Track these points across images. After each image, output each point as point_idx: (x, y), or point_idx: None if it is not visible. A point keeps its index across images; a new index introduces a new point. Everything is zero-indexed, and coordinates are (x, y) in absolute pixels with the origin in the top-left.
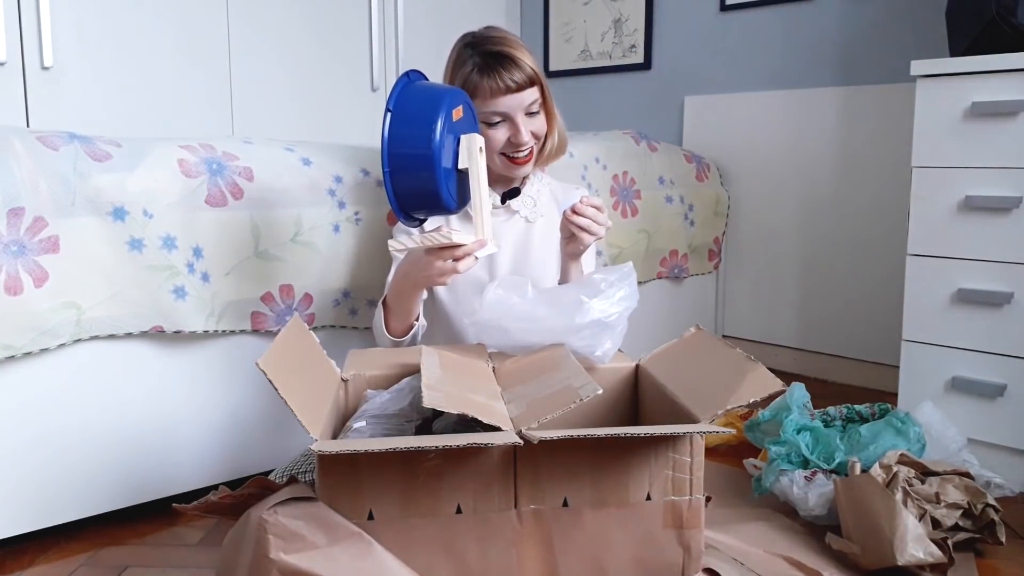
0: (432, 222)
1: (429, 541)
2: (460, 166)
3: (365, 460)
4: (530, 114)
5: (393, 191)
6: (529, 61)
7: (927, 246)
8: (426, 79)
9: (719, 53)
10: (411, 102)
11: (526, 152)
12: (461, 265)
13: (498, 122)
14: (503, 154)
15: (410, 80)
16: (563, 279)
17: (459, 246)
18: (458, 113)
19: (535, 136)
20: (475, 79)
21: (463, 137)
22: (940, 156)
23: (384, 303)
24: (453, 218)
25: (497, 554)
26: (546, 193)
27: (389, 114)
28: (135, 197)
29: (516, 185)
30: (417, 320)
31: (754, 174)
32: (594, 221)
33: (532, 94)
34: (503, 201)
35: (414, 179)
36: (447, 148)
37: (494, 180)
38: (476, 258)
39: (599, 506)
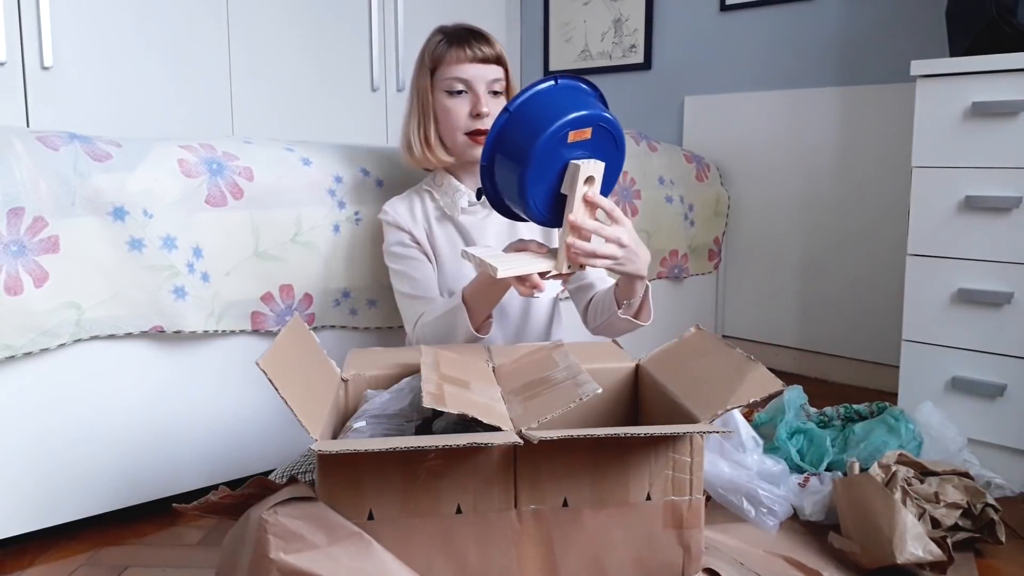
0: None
1: (429, 541)
2: (562, 190)
3: (365, 460)
4: (494, 92)
5: (490, 170)
6: (498, 44)
7: (927, 246)
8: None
9: (719, 53)
10: (553, 99)
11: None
12: (538, 292)
13: (460, 91)
14: (465, 133)
15: (558, 84)
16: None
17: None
18: (581, 135)
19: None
20: (442, 49)
21: (571, 163)
22: (940, 156)
23: (464, 302)
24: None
25: (497, 554)
26: None
27: (526, 96)
28: (135, 197)
29: None
30: (490, 316)
31: (754, 174)
32: (598, 236)
33: (496, 72)
34: (478, 197)
35: (507, 167)
36: (551, 159)
37: (466, 170)
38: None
39: (599, 506)
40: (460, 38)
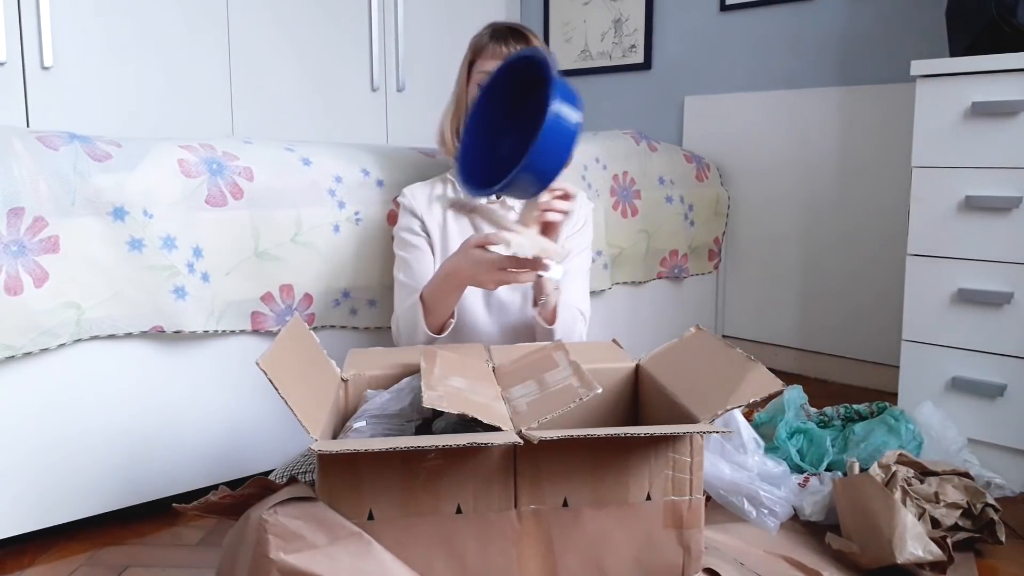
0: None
1: (429, 541)
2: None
3: (365, 460)
4: None
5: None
6: (540, 49)
7: (927, 246)
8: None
9: (719, 53)
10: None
11: None
12: (523, 277)
13: None
14: None
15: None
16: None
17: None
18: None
19: None
20: (483, 42)
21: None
22: (940, 156)
23: (422, 300)
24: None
25: (497, 554)
26: None
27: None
28: (135, 197)
29: None
30: (453, 317)
31: (754, 174)
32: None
33: None
34: (497, 195)
35: (558, 154)
36: None
37: None
38: (539, 276)
39: (599, 506)
40: (501, 34)
